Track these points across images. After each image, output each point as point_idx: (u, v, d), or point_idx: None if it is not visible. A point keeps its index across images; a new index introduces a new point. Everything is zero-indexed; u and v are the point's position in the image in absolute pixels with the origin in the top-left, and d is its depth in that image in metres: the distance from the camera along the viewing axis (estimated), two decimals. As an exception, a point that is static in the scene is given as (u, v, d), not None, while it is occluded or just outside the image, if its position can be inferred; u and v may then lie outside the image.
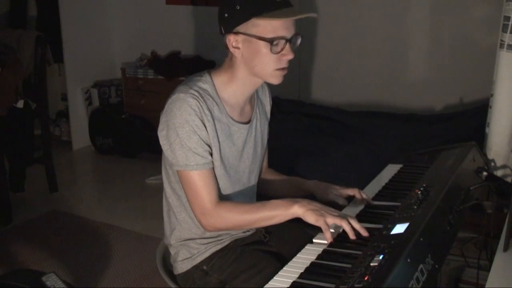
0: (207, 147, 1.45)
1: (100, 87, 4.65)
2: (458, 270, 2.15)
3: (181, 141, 1.42)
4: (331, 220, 1.35)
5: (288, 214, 1.41)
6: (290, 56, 1.44)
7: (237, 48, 1.44)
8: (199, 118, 1.43)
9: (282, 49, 1.42)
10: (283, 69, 1.46)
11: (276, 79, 1.48)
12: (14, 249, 2.97)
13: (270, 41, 1.40)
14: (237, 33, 1.42)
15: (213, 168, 1.48)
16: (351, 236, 1.34)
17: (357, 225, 1.36)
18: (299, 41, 1.47)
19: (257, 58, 1.43)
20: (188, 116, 1.41)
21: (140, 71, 4.43)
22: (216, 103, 1.49)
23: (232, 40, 1.43)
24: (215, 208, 1.44)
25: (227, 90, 1.52)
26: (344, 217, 1.36)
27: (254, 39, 1.41)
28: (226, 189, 1.54)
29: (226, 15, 1.42)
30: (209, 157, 1.46)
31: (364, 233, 1.35)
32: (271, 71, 1.46)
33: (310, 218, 1.37)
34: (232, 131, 1.53)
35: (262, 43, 1.41)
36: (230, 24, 1.42)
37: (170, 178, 1.55)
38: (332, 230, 1.38)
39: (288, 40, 1.43)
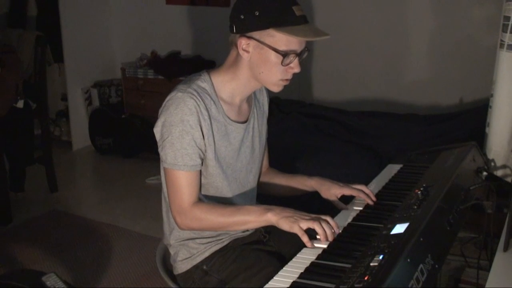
0: (198, 150, 1.46)
1: (100, 87, 4.65)
2: (458, 270, 2.15)
3: (173, 140, 1.43)
4: (304, 225, 1.36)
5: (261, 220, 1.42)
6: (297, 70, 1.45)
7: (247, 51, 1.44)
8: (195, 118, 1.43)
9: (290, 62, 1.43)
10: (286, 80, 1.48)
11: (277, 88, 1.49)
12: (14, 249, 2.97)
13: (283, 54, 1.41)
14: (250, 37, 1.42)
15: (200, 171, 1.49)
16: (322, 239, 1.36)
17: (332, 222, 1.39)
18: (306, 54, 1.47)
19: (265, 66, 1.44)
20: (184, 115, 1.42)
21: (140, 71, 4.42)
22: (213, 102, 1.49)
23: (243, 42, 1.43)
24: (191, 209, 1.46)
25: (226, 89, 1.52)
26: (317, 220, 1.38)
27: (266, 48, 1.41)
28: (223, 189, 1.55)
29: (242, 16, 1.41)
30: (198, 160, 1.47)
31: (337, 230, 1.39)
32: (275, 81, 1.47)
33: (284, 225, 1.38)
34: (228, 130, 1.53)
35: (274, 53, 1.41)
36: (245, 27, 1.42)
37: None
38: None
39: (298, 55, 1.43)
